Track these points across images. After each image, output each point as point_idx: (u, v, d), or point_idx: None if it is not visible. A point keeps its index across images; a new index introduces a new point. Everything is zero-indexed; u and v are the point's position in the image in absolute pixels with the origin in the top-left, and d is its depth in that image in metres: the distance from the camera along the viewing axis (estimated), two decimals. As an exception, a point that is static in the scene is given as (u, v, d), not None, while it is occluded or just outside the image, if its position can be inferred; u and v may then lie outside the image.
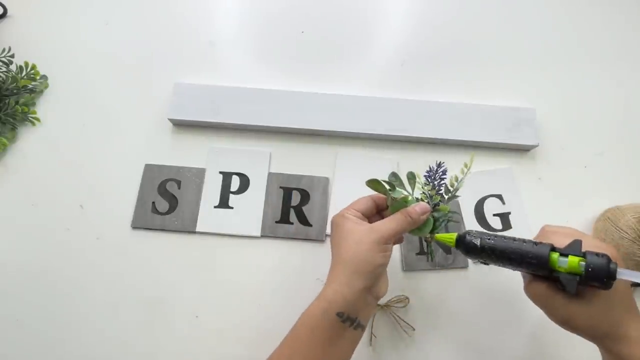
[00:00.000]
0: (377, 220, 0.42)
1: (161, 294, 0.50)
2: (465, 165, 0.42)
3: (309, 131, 0.58)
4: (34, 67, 0.60)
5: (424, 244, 0.51)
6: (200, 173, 0.56)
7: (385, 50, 0.65)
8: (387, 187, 0.42)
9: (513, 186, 0.56)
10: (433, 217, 0.42)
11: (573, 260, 0.34)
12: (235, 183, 0.55)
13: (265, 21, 0.67)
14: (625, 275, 0.33)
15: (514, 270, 0.38)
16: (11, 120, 0.57)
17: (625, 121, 0.61)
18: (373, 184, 0.42)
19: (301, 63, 0.64)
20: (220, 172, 0.56)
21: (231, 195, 0.55)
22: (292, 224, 0.54)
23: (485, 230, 0.48)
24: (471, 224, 0.54)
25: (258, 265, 0.52)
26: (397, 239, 0.44)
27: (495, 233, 0.41)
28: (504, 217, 0.55)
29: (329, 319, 0.37)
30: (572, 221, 0.55)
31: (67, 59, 0.62)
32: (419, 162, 0.57)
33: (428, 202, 0.42)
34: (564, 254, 0.35)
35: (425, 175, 0.43)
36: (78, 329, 0.49)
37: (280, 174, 0.56)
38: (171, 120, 0.58)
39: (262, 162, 0.57)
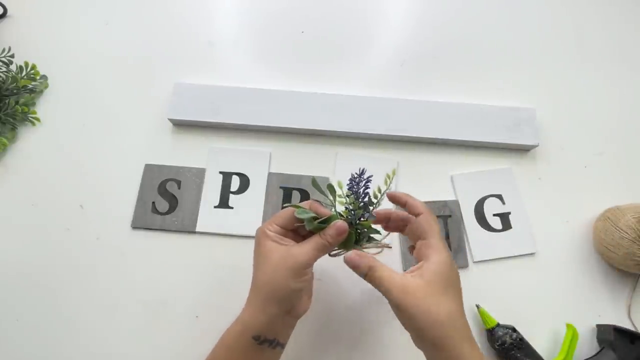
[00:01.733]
0: (302, 230, 0.40)
1: (161, 294, 0.50)
2: (388, 177, 0.39)
3: (309, 131, 0.58)
4: (34, 67, 0.60)
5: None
6: (200, 173, 0.56)
7: (385, 50, 0.65)
8: (307, 212, 0.39)
9: (513, 186, 0.56)
10: (356, 229, 0.39)
11: None
12: (235, 183, 0.55)
13: (265, 21, 0.67)
14: None
15: None
16: (11, 120, 0.57)
17: (625, 121, 0.61)
18: (297, 208, 0.39)
19: (301, 63, 0.64)
20: (220, 172, 0.56)
21: (231, 195, 0.55)
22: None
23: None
24: (471, 223, 0.54)
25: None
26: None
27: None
28: (504, 217, 0.55)
29: (245, 342, 0.37)
30: (572, 221, 0.55)
31: (67, 59, 0.62)
32: (419, 162, 0.57)
33: (349, 217, 0.39)
34: None
35: (347, 185, 0.39)
36: (78, 329, 0.49)
37: (280, 174, 0.56)
38: (171, 120, 0.58)
39: (262, 162, 0.57)
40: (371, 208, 0.40)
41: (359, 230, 0.40)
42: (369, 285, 0.37)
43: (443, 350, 0.34)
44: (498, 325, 0.48)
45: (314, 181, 0.41)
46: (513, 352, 0.46)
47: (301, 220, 0.39)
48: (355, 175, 0.39)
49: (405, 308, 0.35)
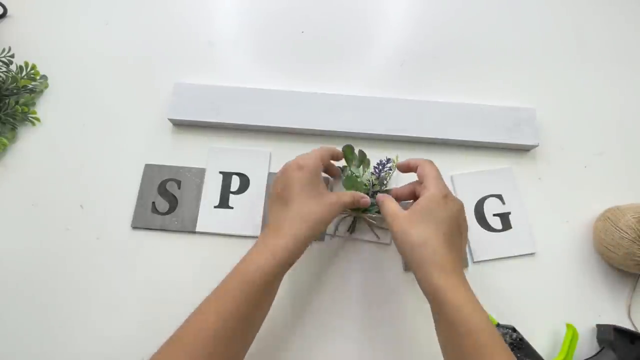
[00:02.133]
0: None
1: (161, 294, 0.50)
2: (394, 161, 0.51)
3: (309, 131, 0.58)
4: (34, 67, 0.60)
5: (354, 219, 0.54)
6: (200, 173, 0.56)
7: (385, 50, 0.65)
8: (352, 162, 0.52)
9: (513, 186, 0.56)
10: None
11: None
12: (235, 183, 0.55)
13: (265, 21, 0.67)
14: None
15: None
16: (11, 120, 0.57)
17: (625, 121, 0.61)
18: (348, 148, 0.52)
19: (301, 63, 0.64)
20: (220, 172, 0.56)
21: (231, 195, 0.55)
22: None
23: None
24: (471, 223, 0.54)
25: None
26: None
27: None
28: (504, 217, 0.55)
29: (282, 272, 0.40)
30: (572, 221, 0.55)
31: (67, 59, 0.62)
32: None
33: (370, 187, 0.51)
34: None
35: (375, 167, 0.52)
36: (78, 329, 0.49)
37: (280, 174, 0.56)
38: (171, 120, 0.58)
39: (262, 162, 0.57)
40: (383, 188, 0.51)
41: (372, 202, 0.49)
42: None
43: (417, 271, 0.39)
44: (498, 325, 0.48)
45: (351, 146, 0.52)
46: (513, 352, 0.46)
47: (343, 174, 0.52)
48: (383, 161, 0.52)
49: (391, 230, 0.42)
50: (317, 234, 0.43)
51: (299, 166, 0.43)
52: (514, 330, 0.47)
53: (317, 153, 0.46)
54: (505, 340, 0.47)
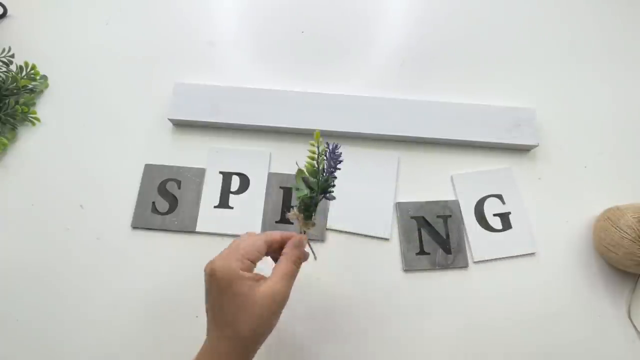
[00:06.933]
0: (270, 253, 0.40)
1: (161, 294, 0.50)
2: (312, 145, 0.41)
3: (309, 131, 0.58)
4: (34, 67, 0.60)
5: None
6: (200, 173, 0.56)
7: (385, 49, 0.65)
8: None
9: (513, 186, 0.56)
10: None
11: None
12: (235, 183, 0.55)
13: (265, 21, 0.67)
14: None
15: None
16: (11, 120, 0.57)
17: (626, 121, 0.61)
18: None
19: (301, 63, 0.64)
20: (220, 172, 0.56)
21: (231, 195, 0.55)
22: (292, 224, 0.54)
23: None
24: (471, 223, 0.54)
25: (258, 265, 0.52)
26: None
27: None
28: (504, 217, 0.55)
29: None
30: (572, 221, 0.55)
31: (67, 59, 0.63)
32: (419, 162, 0.57)
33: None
34: None
35: (326, 158, 0.40)
36: (78, 329, 0.49)
37: (280, 174, 0.56)
38: (171, 120, 0.58)
39: (262, 162, 0.57)
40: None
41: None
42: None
43: None
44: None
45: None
46: None
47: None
48: (330, 149, 0.40)
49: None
50: (271, 330, 0.37)
51: (232, 271, 0.36)
52: None
53: (247, 250, 0.38)
54: None
